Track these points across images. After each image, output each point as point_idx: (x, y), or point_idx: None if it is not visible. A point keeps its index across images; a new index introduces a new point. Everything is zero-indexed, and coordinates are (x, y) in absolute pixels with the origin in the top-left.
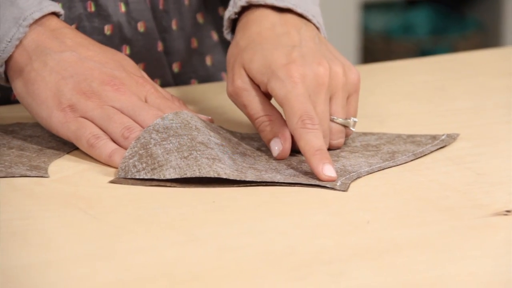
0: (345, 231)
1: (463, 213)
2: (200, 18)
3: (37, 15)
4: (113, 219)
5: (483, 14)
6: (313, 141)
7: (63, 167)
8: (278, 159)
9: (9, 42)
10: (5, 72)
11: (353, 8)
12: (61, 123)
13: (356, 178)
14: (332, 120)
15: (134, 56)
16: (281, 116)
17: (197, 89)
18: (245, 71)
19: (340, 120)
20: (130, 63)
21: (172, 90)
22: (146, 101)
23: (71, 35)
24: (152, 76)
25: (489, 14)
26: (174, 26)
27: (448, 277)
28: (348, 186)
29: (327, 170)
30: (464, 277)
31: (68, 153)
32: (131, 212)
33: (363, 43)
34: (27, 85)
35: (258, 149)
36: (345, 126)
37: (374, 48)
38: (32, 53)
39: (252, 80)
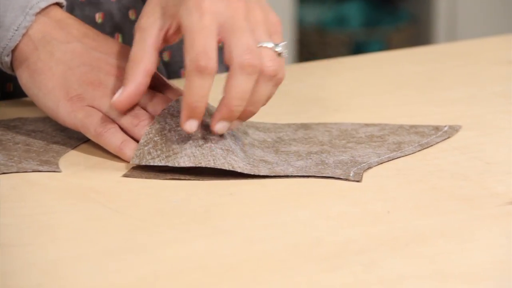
0: (367, 222)
1: (481, 202)
2: None
3: (43, 4)
4: (135, 213)
5: (415, 6)
6: (197, 90)
7: (73, 161)
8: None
9: (16, 30)
10: (11, 62)
11: (287, 2)
12: (68, 112)
13: (368, 168)
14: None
15: (127, 44)
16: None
17: None
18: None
19: (268, 44)
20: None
21: None
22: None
23: (76, 26)
24: None
25: (421, 6)
26: None
27: (479, 265)
28: (362, 176)
29: (189, 125)
30: (495, 265)
31: (74, 147)
32: (151, 205)
33: (297, 36)
34: (33, 75)
35: (264, 140)
36: (276, 52)
37: (309, 41)
38: (38, 43)
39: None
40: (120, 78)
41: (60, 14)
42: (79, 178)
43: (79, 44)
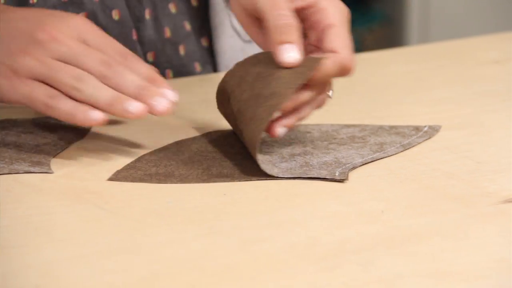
0: (362, 221)
1: (473, 201)
2: (172, 8)
3: None
4: (130, 213)
5: (388, 7)
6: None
7: (64, 162)
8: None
9: None
10: None
11: None
12: (10, 91)
13: (352, 168)
14: None
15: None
16: None
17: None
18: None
19: None
20: (54, 11)
21: None
22: (84, 42)
23: (2, 8)
24: None
25: (394, 7)
26: (147, 15)
27: (476, 264)
28: (347, 175)
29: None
30: (492, 264)
31: (65, 148)
32: (146, 206)
33: None
34: None
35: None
36: None
37: None
38: None
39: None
40: (46, 36)
41: None
42: (71, 179)
43: (1, 22)
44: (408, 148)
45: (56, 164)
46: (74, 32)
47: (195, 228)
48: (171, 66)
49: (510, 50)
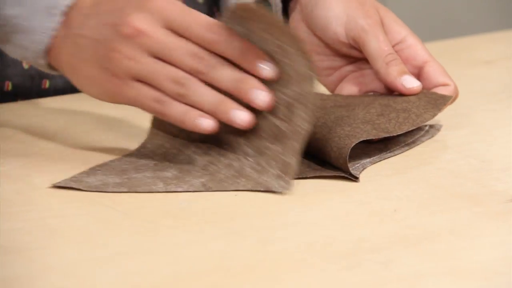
0: (376, 220)
1: (482, 199)
2: None
3: (69, 1)
4: (144, 215)
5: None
6: None
7: (72, 165)
8: None
9: (43, 33)
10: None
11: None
12: (116, 93)
13: (362, 170)
14: None
15: None
16: None
17: None
18: None
19: None
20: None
21: None
22: (169, 27)
23: (90, 2)
24: None
25: (387, 7)
26: None
27: (493, 261)
28: (359, 175)
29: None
30: (509, 260)
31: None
32: (159, 208)
33: None
34: (74, 73)
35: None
36: None
37: None
38: (64, 39)
39: None
40: (128, 25)
41: (80, 2)
42: None
43: (90, 19)
44: (412, 147)
45: (64, 167)
46: (158, 18)
47: (211, 229)
48: None
49: (500, 50)
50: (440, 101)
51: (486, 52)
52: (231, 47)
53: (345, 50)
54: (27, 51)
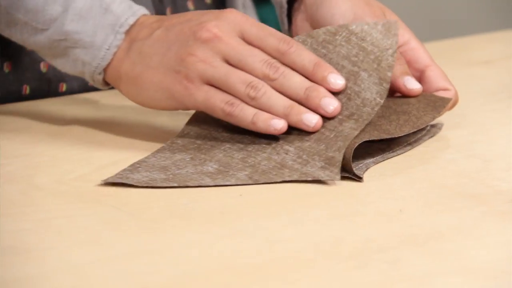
0: (382, 220)
1: (487, 199)
2: (190, 5)
3: (132, 20)
4: (150, 215)
5: None
6: None
7: (75, 165)
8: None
9: (108, 49)
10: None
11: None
12: (185, 96)
13: (366, 170)
14: None
15: None
16: None
17: None
18: None
19: None
20: (210, 10)
21: None
22: (243, 37)
23: (155, 19)
24: None
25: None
26: (168, 13)
27: (503, 261)
28: (363, 175)
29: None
30: None
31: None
32: (164, 208)
33: None
34: (136, 82)
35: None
36: None
37: None
38: (128, 51)
39: None
40: (209, 35)
41: (142, 18)
42: (85, 182)
43: (160, 30)
44: (415, 147)
45: (68, 167)
46: (234, 28)
47: (217, 229)
48: None
49: (499, 50)
50: (439, 104)
51: (485, 52)
52: (302, 59)
53: None
54: (85, 66)
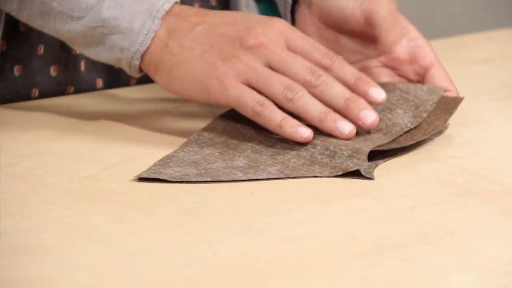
0: (393, 218)
1: (497, 197)
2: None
3: (167, 6)
4: (162, 214)
5: None
6: None
7: (84, 164)
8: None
9: (146, 34)
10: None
11: None
12: (219, 92)
13: (375, 167)
14: None
15: None
16: None
17: None
18: None
19: None
20: (254, 14)
21: None
22: (288, 47)
23: (194, 13)
24: None
25: None
26: None
27: None
28: (373, 174)
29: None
30: None
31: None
32: (176, 206)
33: None
34: (172, 71)
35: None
36: None
37: None
38: (167, 40)
39: None
40: (255, 41)
41: (177, 8)
42: (95, 180)
43: (203, 26)
44: (422, 145)
45: (77, 166)
46: (280, 37)
47: (230, 227)
48: None
49: (499, 49)
50: (451, 105)
51: (486, 50)
52: (345, 73)
53: (361, 27)
54: (123, 52)
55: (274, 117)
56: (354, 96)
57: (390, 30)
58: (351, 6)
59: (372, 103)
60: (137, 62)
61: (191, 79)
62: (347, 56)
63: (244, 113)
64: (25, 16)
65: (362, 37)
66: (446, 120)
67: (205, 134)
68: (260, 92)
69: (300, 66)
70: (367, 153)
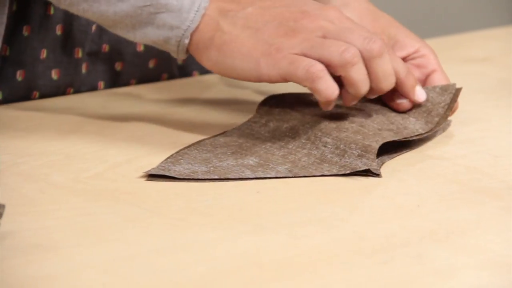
0: (401, 215)
1: (502, 194)
2: None
3: None
4: (170, 213)
5: (375, 4)
6: None
7: (89, 164)
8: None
9: (197, 11)
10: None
11: None
12: (271, 65)
13: (382, 165)
14: None
15: (145, 52)
16: None
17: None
18: None
19: None
20: (313, 2)
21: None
22: None
23: None
24: (161, 70)
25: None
26: None
27: None
28: (380, 171)
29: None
30: None
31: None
32: (184, 205)
33: None
34: (222, 48)
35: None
36: None
37: None
38: (217, 18)
39: None
40: (310, 19)
41: None
42: (101, 180)
43: (254, 7)
44: (426, 142)
45: (83, 166)
46: (337, 21)
47: (239, 225)
48: (197, 68)
49: (496, 47)
50: (450, 90)
51: (483, 49)
52: (398, 63)
53: None
54: (173, 30)
55: (328, 84)
56: (412, 73)
57: None
58: None
59: (413, 101)
60: (187, 41)
61: (243, 56)
62: None
63: (295, 79)
64: (67, 2)
65: None
66: (446, 103)
67: (221, 139)
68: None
69: (358, 35)
70: (376, 150)
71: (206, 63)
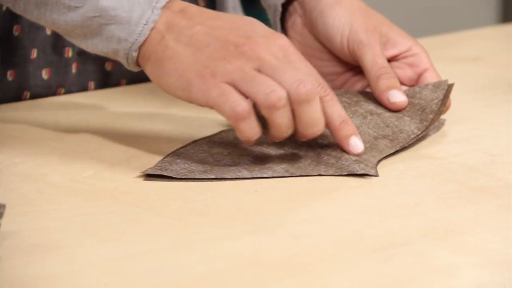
0: (399, 214)
1: (499, 192)
2: None
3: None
4: (169, 212)
5: (367, 3)
6: None
7: (88, 163)
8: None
9: (145, 24)
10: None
11: None
12: (201, 90)
13: (378, 163)
14: None
15: None
16: None
17: None
18: None
19: None
20: (260, 25)
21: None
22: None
23: (197, 12)
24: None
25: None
26: None
27: None
28: (376, 171)
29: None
30: None
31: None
32: (183, 205)
33: None
34: (161, 63)
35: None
36: None
37: None
38: (164, 33)
39: None
40: (250, 47)
41: (179, 4)
42: (100, 180)
43: (203, 26)
44: (421, 141)
45: (80, 166)
46: (280, 52)
47: (238, 225)
48: None
49: (487, 46)
50: (442, 86)
51: (474, 48)
52: (334, 110)
53: (348, 59)
54: (121, 43)
55: (251, 130)
56: (350, 120)
57: (378, 81)
58: (338, 41)
59: (347, 152)
60: (135, 54)
61: (178, 75)
62: (340, 65)
63: (221, 112)
64: (21, 7)
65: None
66: (439, 98)
67: (216, 139)
68: (244, 96)
69: (290, 74)
70: (373, 158)
71: (149, 76)
